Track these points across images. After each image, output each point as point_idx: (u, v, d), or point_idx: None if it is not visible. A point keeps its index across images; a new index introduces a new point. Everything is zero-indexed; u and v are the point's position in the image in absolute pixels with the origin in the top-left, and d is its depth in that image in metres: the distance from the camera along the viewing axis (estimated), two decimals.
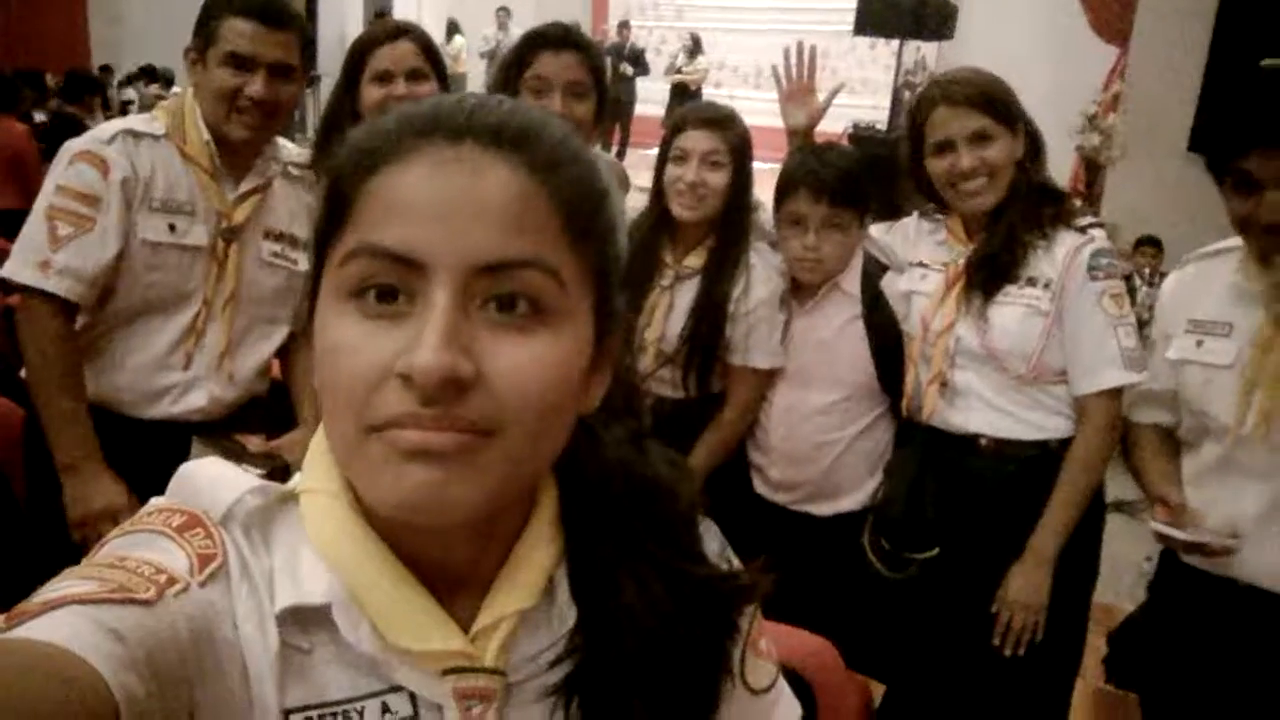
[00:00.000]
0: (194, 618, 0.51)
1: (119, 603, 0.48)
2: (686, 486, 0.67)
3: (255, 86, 1.73)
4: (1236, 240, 1.69)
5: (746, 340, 1.97)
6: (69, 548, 1.72)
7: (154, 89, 9.20)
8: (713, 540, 0.69)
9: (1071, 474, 1.80)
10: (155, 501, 0.59)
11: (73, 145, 1.76)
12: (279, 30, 1.76)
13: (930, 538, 1.91)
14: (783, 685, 0.73)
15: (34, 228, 1.71)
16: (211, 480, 0.59)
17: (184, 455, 1.80)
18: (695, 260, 2.00)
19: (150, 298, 1.78)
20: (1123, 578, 2.87)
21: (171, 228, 1.77)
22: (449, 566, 0.58)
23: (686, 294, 1.99)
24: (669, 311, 2.00)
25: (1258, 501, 1.61)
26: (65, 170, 1.73)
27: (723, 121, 1.99)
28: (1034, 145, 1.85)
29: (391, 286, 0.52)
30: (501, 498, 0.55)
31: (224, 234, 1.81)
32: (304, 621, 0.56)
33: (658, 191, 2.01)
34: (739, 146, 1.98)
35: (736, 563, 0.70)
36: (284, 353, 2.01)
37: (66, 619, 0.46)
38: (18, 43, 9.29)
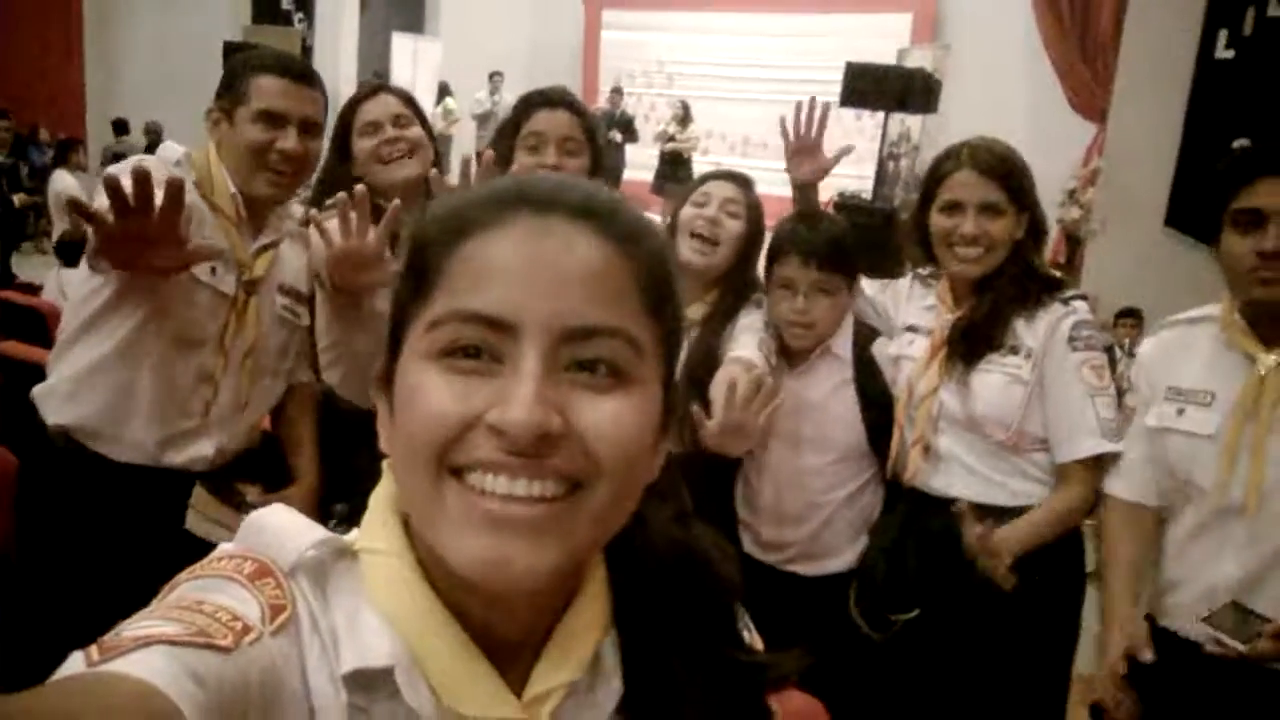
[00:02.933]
0: (266, 668, 0.52)
1: (200, 647, 0.50)
2: (731, 569, 0.69)
3: (288, 141, 1.77)
4: (1214, 308, 1.72)
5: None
6: (61, 600, 1.71)
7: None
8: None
9: (1046, 508, 1.83)
10: (225, 547, 0.60)
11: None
12: (308, 87, 1.81)
13: (911, 599, 1.92)
14: None
15: None
16: (280, 529, 0.60)
17: (184, 501, 1.82)
18: (695, 313, 2.03)
19: (182, 334, 1.78)
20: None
21: (213, 270, 1.79)
22: (505, 632, 0.59)
23: (688, 341, 2.03)
24: None
25: (1237, 570, 1.63)
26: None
27: (745, 180, 2.09)
28: (1036, 230, 1.89)
29: (479, 347, 0.55)
30: (580, 561, 0.56)
31: (245, 285, 1.83)
32: (366, 682, 0.56)
33: (671, 236, 2.04)
34: (755, 206, 2.06)
35: (752, 630, 0.71)
36: (277, 407, 2.02)
37: (154, 658, 0.48)
38: (14, 98, 9.38)
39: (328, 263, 1.74)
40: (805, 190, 2.13)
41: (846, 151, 2.14)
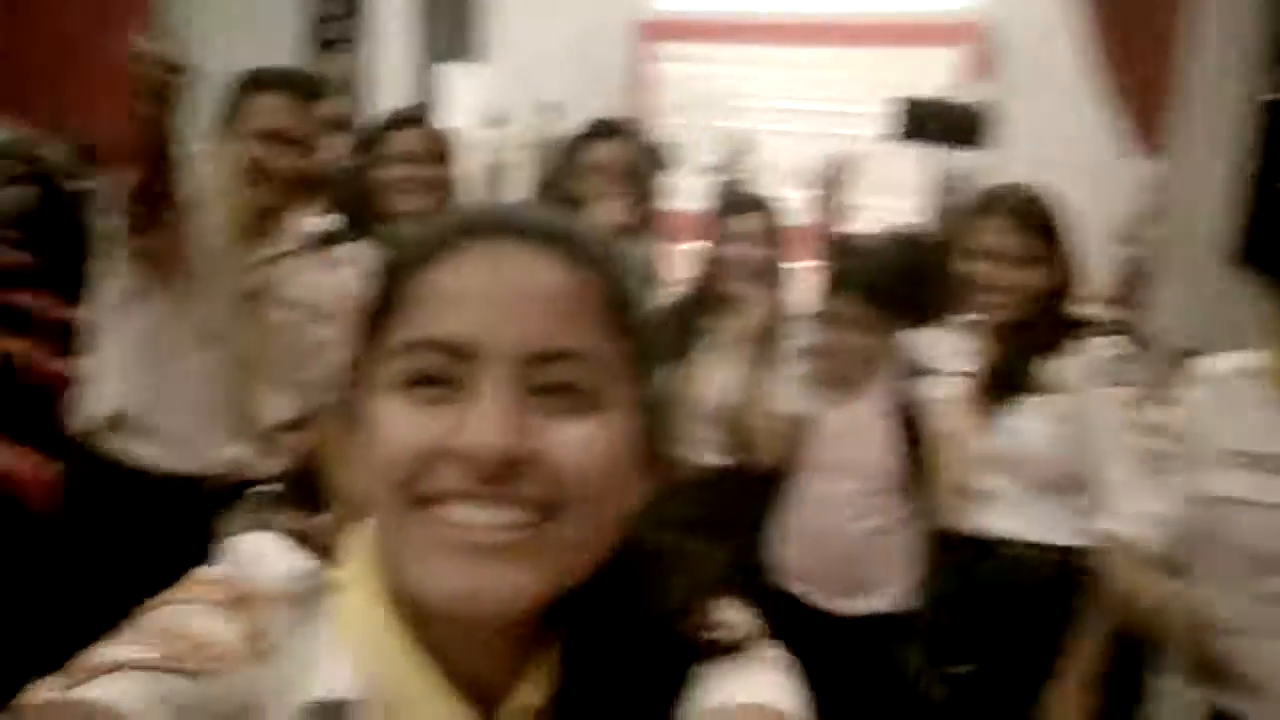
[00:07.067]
0: (236, 695, 0.52)
1: (170, 671, 0.50)
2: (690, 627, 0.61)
3: (285, 158, 1.80)
4: (1254, 357, 1.57)
5: (784, 389, 2.07)
6: (108, 607, 1.69)
7: None
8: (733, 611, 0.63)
9: (1094, 617, 1.74)
10: (205, 570, 0.59)
11: None
12: (305, 105, 1.85)
13: (968, 651, 1.85)
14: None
15: None
16: (263, 556, 0.60)
17: (205, 520, 1.80)
18: (737, 328, 2.11)
19: (199, 330, 1.82)
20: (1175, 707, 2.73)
21: (220, 269, 1.84)
22: (473, 663, 0.57)
23: (729, 358, 2.09)
24: (711, 372, 2.09)
25: None
26: None
27: (767, 205, 2.19)
28: (1072, 276, 1.86)
29: (441, 375, 0.54)
30: (555, 590, 0.53)
31: (247, 295, 1.86)
32: (325, 716, 0.54)
33: (703, 268, 2.14)
34: (779, 227, 2.17)
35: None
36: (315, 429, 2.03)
37: (123, 683, 0.48)
38: (82, 117, 9.64)
39: None
40: (824, 236, 2.30)
41: (858, 202, 2.33)
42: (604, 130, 2.14)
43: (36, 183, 7.83)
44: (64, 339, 3.88)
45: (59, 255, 5.98)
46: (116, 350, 1.81)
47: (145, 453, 1.81)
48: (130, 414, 1.80)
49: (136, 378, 1.80)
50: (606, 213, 2.07)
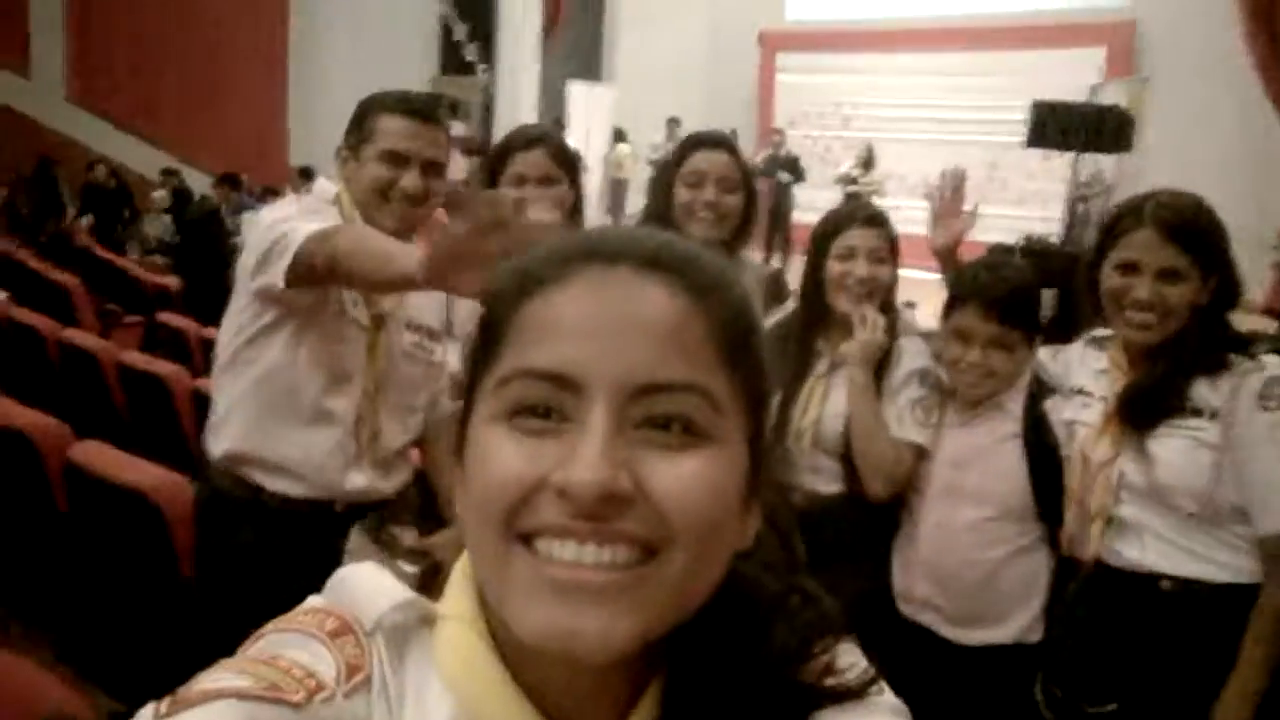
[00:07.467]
0: None
1: (271, 701, 0.50)
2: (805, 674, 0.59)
3: (410, 180, 1.79)
4: None
5: (899, 415, 1.96)
6: (236, 630, 1.75)
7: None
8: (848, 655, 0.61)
9: (1257, 629, 1.60)
10: (312, 600, 0.60)
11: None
12: (432, 128, 1.83)
13: (1107, 689, 1.73)
14: None
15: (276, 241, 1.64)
16: (366, 587, 0.59)
17: (335, 539, 1.80)
18: (851, 348, 2.02)
19: (331, 366, 1.81)
20: None
21: (355, 302, 1.83)
22: (571, 701, 0.56)
23: (842, 382, 2.00)
24: (825, 397, 2.00)
25: None
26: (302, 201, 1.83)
27: (883, 219, 2.06)
28: (1227, 292, 1.69)
29: (546, 406, 0.52)
30: (657, 632, 0.52)
31: (374, 319, 1.85)
32: None
33: (814, 286, 2.04)
34: (895, 243, 2.05)
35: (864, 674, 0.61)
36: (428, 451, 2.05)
37: (223, 712, 0.48)
38: (221, 146, 10.17)
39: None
40: (944, 255, 2.14)
41: (975, 213, 2.18)
42: (705, 141, 2.09)
43: (183, 210, 8.36)
44: (208, 360, 4.09)
45: (204, 279, 6.32)
46: (245, 383, 1.82)
47: (273, 483, 1.83)
48: (256, 449, 1.82)
49: (262, 414, 1.81)
50: (700, 225, 2.03)
